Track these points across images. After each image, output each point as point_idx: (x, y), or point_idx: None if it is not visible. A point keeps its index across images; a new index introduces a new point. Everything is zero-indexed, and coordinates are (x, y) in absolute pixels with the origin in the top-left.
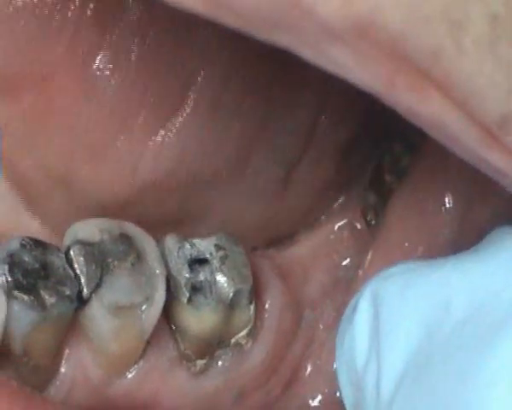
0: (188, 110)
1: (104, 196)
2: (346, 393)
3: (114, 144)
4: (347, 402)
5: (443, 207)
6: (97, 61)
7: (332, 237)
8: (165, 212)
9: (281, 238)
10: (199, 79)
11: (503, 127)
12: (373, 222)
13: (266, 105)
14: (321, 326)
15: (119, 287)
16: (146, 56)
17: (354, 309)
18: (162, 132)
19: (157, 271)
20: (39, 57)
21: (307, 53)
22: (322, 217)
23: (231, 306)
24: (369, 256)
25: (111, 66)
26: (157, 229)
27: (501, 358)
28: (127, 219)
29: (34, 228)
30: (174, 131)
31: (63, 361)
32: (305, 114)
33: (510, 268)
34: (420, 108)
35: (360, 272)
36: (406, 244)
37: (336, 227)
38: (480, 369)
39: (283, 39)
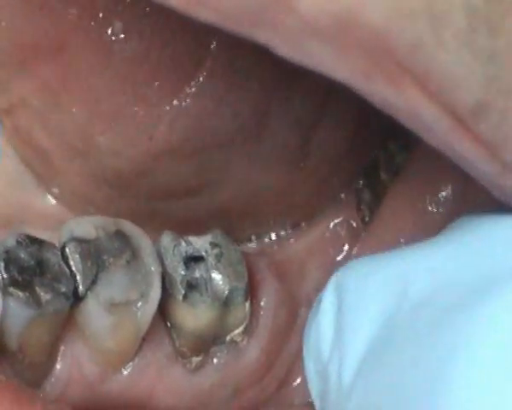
0: (203, 76)
1: (121, 165)
2: (313, 383)
3: (130, 112)
4: (314, 393)
5: (436, 204)
6: (111, 29)
7: (327, 234)
8: (181, 180)
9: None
10: (213, 44)
11: (478, 114)
12: (367, 219)
13: (282, 68)
14: None
15: (114, 284)
16: (160, 23)
17: (319, 301)
18: (177, 99)
19: (152, 268)
20: (53, 27)
21: (285, 49)
22: (318, 215)
23: (226, 303)
24: (357, 251)
25: (125, 33)
26: (173, 198)
27: (458, 336)
28: (144, 188)
29: (50, 208)
30: (189, 97)
31: (59, 358)
32: (322, 77)
33: (467, 252)
34: (395, 100)
35: None
36: (400, 240)
37: (332, 225)
38: (437, 347)
39: (262, 36)
